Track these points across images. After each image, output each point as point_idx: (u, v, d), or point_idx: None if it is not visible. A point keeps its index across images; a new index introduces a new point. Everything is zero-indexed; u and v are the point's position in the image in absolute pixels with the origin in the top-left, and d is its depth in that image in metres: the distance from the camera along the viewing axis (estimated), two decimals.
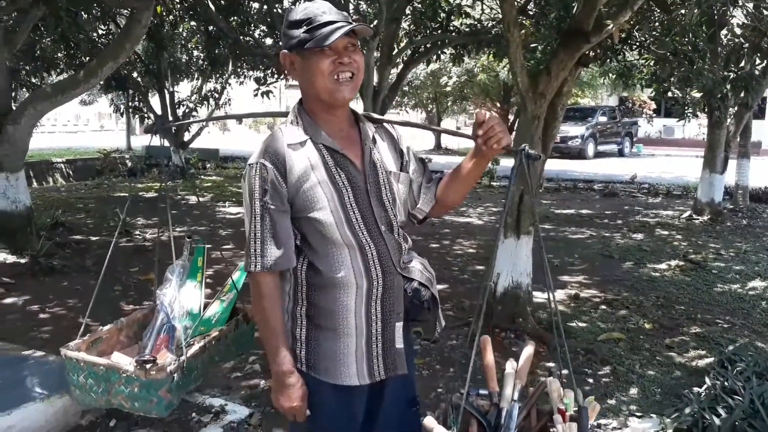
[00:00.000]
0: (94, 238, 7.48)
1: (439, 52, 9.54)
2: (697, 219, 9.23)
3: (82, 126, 34.63)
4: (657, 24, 6.76)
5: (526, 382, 1.98)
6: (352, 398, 1.75)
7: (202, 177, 14.73)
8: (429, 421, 1.75)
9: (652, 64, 8.47)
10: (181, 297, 2.29)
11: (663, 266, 6.52)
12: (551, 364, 3.89)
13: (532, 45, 5.78)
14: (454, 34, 8.72)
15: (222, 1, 8.80)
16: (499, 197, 11.66)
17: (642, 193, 12.49)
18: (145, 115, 13.94)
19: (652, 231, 8.52)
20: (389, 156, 1.82)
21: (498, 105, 22.17)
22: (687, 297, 5.44)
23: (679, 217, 9.53)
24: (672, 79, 8.46)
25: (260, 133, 31.59)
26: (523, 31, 4.87)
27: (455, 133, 2.19)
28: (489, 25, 8.66)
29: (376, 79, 8.28)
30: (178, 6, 9.64)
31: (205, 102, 14.76)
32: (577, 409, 1.77)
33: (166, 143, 11.18)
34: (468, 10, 8.52)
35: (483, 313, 1.62)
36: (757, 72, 8.82)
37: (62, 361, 2.10)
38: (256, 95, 10.65)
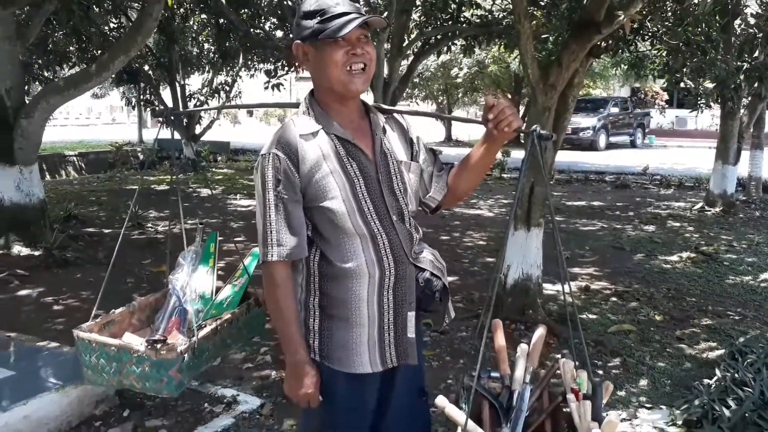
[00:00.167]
0: (106, 231, 7.54)
1: (450, 43, 9.54)
2: (710, 210, 9.18)
3: (94, 119, 34.80)
4: (669, 14, 6.69)
5: (537, 365, 1.99)
6: (365, 386, 1.77)
7: (213, 170, 14.79)
8: (441, 400, 1.77)
9: (664, 54, 8.39)
10: (193, 281, 2.32)
11: (674, 258, 6.49)
12: (560, 356, 3.90)
13: (543, 36, 5.75)
14: (464, 25, 8.70)
15: None
16: (509, 189, 11.63)
17: (654, 185, 12.42)
18: (157, 108, 14.01)
19: (664, 223, 8.48)
20: (400, 146, 1.83)
21: (509, 96, 22.07)
22: (698, 289, 5.42)
23: (691, 209, 9.47)
24: (684, 69, 8.37)
25: (271, 125, 31.64)
26: (534, 22, 4.84)
27: (466, 120, 2.20)
28: (500, 15, 8.62)
29: (386, 70, 8.28)
30: None
31: (216, 95, 14.81)
32: (590, 388, 1.77)
33: (177, 135, 11.23)
34: (479, 1, 8.48)
35: (493, 304, 1.63)
36: None
37: (76, 352, 2.13)
38: (266, 88, 10.69)
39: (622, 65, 9.98)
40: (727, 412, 2.74)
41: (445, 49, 9.96)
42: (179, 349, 1.97)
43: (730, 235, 7.65)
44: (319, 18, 1.64)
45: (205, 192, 10.71)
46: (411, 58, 9.65)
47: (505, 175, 13.20)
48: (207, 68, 14.98)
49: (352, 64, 1.66)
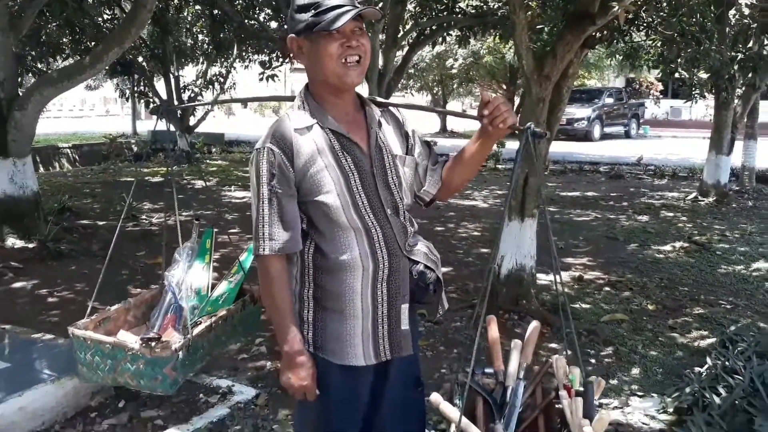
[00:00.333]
0: (101, 223, 7.53)
1: (445, 34, 9.50)
2: (703, 201, 9.22)
3: (87, 111, 34.62)
4: (664, 4, 6.70)
5: (531, 360, 2.01)
6: (359, 378, 1.78)
7: (208, 161, 14.76)
8: (435, 397, 1.79)
9: (659, 45, 8.40)
10: (189, 278, 2.33)
11: (667, 248, 6.53)
12: (555, 345, 3.93)
13: (538, 27, 5.76)
14: (459, 15, 8.68)
15: None
16: (504, 180, 11.65)
17: (648, 175, 12.45)
18: (151, 100, 13.95)
19: (658, 213, 8.52)
20: (395, 139, 1.83)
21: (504, 87, 22.04)
22: (691, 278, 5.46)
23: (684, 199, 9.51)
24: (679, 60, 8.39)
25: (265, 117, 31.56)
26: (529, 13, 4.84)
27: (461, 115, 2.20)
28: (495, 6, 8.60)
29: (381, 62, 8.26)
30: None
31: (210, 86, 14.75)
32: (582, 385, 1.80)
33: (172, 127, 11.18)
34: None
35: (487, 295, 1.65)
36: (765, 52, 8.74)
37: (71, 344, 2.15)
38: (261, 79, 10.65)
39: (617, 56, 9.97)
40: (717, 400, 2.77)
41: (441, 39, 9.93)
42: (174, 347, 1.98)
43: (723, 225, 7.69)
44: (313, 11, 1.64)
45: (199, 184, 10.69)
46: (406, 49, 9.62)
47: (499, 166, 13.21)
48: (201, 59, 14.92)
49: (347, 56, 1.66)
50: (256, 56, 13.27)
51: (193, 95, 14.37)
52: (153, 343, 1.98)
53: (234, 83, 15.15)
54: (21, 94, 6.38)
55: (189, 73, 15.68)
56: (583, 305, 4.73)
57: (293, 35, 1.70)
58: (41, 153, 13.71)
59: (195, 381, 3.39)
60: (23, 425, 2.83)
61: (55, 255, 5.95)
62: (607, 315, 4.52)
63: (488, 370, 2.00)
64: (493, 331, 2.01)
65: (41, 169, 13.21)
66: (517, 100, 19.79)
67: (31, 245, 6.08)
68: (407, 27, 8.92)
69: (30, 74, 10.95)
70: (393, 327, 1.76)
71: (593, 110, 19.91)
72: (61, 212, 7.66)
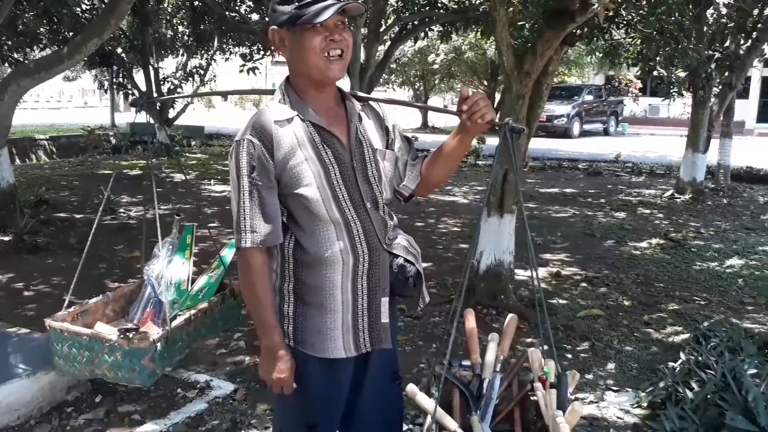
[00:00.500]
0: (78, 216, 7.45)
1: (427, 29, 9.52)
2: (679, 198, 9.34)
3: (65, 102, 34.20)
4: (643, 2, 6.77)
5: (508, 354, 2.04)
6: (339, 372, 1.78)
7: (187, 154, 14.64)
8: (411, 387, 1.80)
9: (638, 42, 8.49)
10: (169, 272, 2.33)
11: (644, 244, 6.61)
12: (532, 340, 3.97)
13: (519, 23, 5.78)
14: (441, 11, 8.69)
15: None
16: (484, 176, 11.71)
17: (626, 172, 12.59)
18: (130, 92, 13.81)
19: (635, 210, 8.62)
20: (375, 134, 1.83)
21: (485, 83, 22.14)
22: (666, 275, 5.54)
23: (661, 196, 9.63)
24: (658, 58, 8.49)
25: (246, 110, 31.38)
26: (510, 9, 4.85)
27: (440, 110, 2.21)
28: (476, 2, 8.63)
29: (363, 56, 8.25)
30: None
31: (191, 78, 14.64)
32: (556, 377, 1.82)
33: (151, 120, 11.09)
34: None
35: (465, 289, 1.67)
36: (741, 52, 8.89)
37: (47, 338, 2.13)
38: (242, 71, 10.59)
39: (597, 53, 10.05)
40: (690, 394, 2.82)
41: (422, 34, 9.95)
42: (152, 338, 1.98)
43: (698, 222, 7.81)
44: (296, 3, 1.63)
45: (179, 177, 10.61)
46: (388, 44, 9.63)
47: (480, 162, 13.27)
48: (181, 51, 14.78)
49: (330, 50, 1.65)
50: (236, 48, 13.18)
51: (172, 87, 14.25)
52: (131, 334, 1.97)
53: (214, 75, 15.05)
54: None
55: (169, 65, 15.54)
56: (560, 301, 4.78)
57: (275, 27, 1.69)
58: (18, 145, 13.52)
59: (173, 376, 3.37)
60: None
61: (32, 248, 5.88)
62: (584, 310, 4.57)
63: (465, 363, 2.02)
64: (470, 323, 2.03)
65: (17, 161, 13.03)
66: (497, 97, 19.88)
67: (6, 238, 6.01)
68: (389, 21, 8.91)
69: (6, 64, 10.79)
70: (373, 320, 1.77)
71: (573, 107, 20.08)
72: (37, 205, 7.56)
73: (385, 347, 1.80)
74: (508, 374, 1.98)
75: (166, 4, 12.96)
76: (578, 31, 4.88)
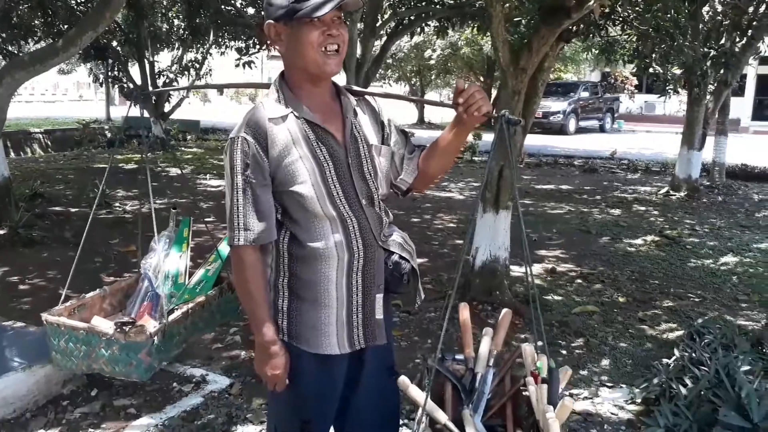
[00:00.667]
0: (73, 210, 7.43)
1: (423, 24, 9.50)
2: (674, 195, 9.37)
3: (60, 96, 34.06)
4: None
5: (502, 348, 2.04)
6: (333, 368, 1.79)
7: (183, 149, 14.60)
8: (403, 380, 1.80)
9: (634, 39, 8.50)
10: (166, 266, 2.32)
11: (639, 241, 6.63)
12: (527, 336, 3.98)
13: (515, 19, 5.77)
14: (438, 6, 8.69)
15: None
16: (480, 172, 11.71)
17: (621, 169, 12.61)
18: (125, 85, 13.76)
19: (630, 207, 8.64)
20: (370, 129, 1.83)
21: (481, 79, 22.12)
22: (661, 272, 5.56)
23: (656, 193, 9.66)
24: (653, 55, 8.50)
25: (241, 104, 31.30)
26: (506, 5, 4.85)
27: (437, 103, 2.20)
28: None
29: (359, 51, 8.24)
30: None
31: (186, 72, 14.59)
32: (548, 373, 1.83)
33: (146, 113, 11.05)
34: None
35: (460, 285, 1.67)
36: (736, 49, 8.90)
37: (43, 332, 2.13)
38: (237, 65, 10.57)
39: (593, 50, 10.06)
40: (683, 390, 2.84)
41: (419, 30, 9.94)
42: (149, 332, 1.98)
43: (694, 219, 7.83)
44: None
45: (174, 171, 10.59)
46: (384, 39, 9.61)
47: (476, 158, 13.27)
48: (177, 45, 14.74)
49: (327, 44, 1.64)
50: (232, 42, 13.14)
51: (168, 81, 14.20)
52: (127, 328, 1.97)
53: (210, 69, 15.01)
54: None
55: (164, 59, 15.48)
56: (555, 297, 4.79)
57: (271, 21, 1.68)
58: (12, 138, 13.46)
59: (169, 370, 3.38)
60: None
61: (27, 242, 5.87)
62: (579, 307, 4.59)
63: (459, 357, 2.02)
64: (465, 317, 2.04)
65: (12, 155, 12.97)
66: (494, 93, 19.88)
67: (1, 232, 5.99)
68: (386, 16, 8.89)
69: (0, 57, 10.73)
70: (367, 316, 1.77)
71: (569, 104, 20.08)
72: (32, 198, 7.55)
73: (379, 344, 1.80)
74: (500, 369, 1.99)
75: None
76: (574, 28, 4.88)
